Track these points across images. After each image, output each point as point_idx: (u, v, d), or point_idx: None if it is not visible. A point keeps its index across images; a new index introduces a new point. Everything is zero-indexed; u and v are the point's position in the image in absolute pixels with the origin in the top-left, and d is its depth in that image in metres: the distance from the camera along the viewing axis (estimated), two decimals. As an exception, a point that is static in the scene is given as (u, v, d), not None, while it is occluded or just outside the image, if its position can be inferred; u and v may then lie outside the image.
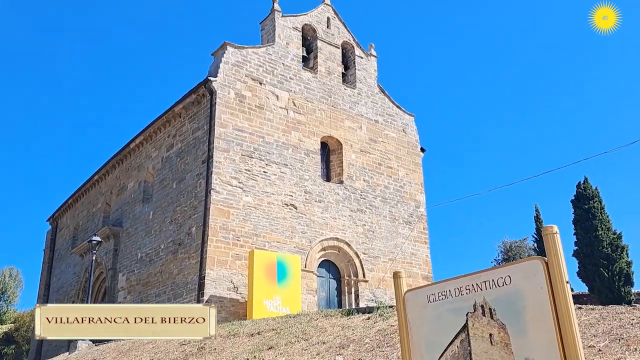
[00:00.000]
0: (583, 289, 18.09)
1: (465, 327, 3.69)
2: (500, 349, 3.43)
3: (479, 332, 3.59)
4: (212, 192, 17.56)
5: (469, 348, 3.62)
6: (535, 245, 20.08)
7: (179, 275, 18.13)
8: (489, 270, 3.67)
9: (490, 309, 3.57)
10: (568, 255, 18.46)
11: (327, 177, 21.14)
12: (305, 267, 18.74)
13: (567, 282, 3.29)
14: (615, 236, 18.09)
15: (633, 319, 4.22)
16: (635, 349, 3.51)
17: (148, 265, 20.23)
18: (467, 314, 3.70)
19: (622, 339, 3.83)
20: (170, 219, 19.54)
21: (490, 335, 3.52)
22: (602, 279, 17.77)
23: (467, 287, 3.76)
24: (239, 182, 18.25)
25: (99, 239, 19.72)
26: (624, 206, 52.94)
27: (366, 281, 20.27)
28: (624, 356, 3.40)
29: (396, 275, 4.46)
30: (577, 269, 19.01)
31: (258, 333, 8.59)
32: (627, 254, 18.00)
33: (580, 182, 18.89)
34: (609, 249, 17.70)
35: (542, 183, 64.67)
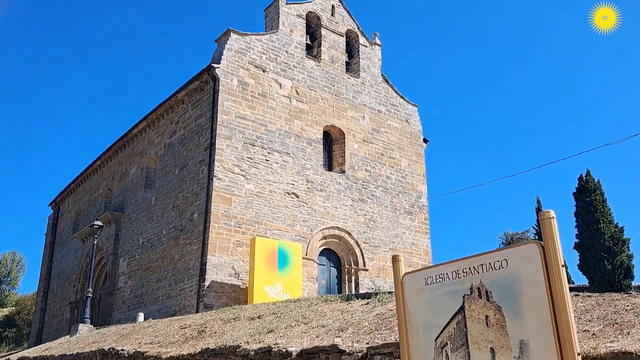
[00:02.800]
0: (583, 281, 18.14)
1: (461, 309, 3.74)
2: (496, 331, 3.48)
3: (475, 314, 3.64)
4: (214, 179, 17.61)
5: (465, 329, 3.67)
6: (536, 237, 20.14)
7: (180, 260, 18.23)
8: (486, 254, 3.71)
9: (486, 291, 3.62)
10: (569, 248, 18.49)
11: (329, 167, 21.16)
12: (306, 255, 18.82)
13: (563, 266, 3.32)
14: (616, 229, 18.11)
15: (628, 306, 4.26)
16: (628, 332, 3.56)
17: (149, 251, 20.34)
18: (463, 297, 3.74)
19: (617, 324, 3.87)
20: (172, 205, 19.61)
21: (487, 317, 3.57)
22: (603, 272, 17.82)
23: (465, 270, 3.80)
24: (241, 170, 18.29)
25: (100, 223, 19.80)
26: (626, 200, 52.87)
27: (366, 270, 20.36)
28: (616, 339, 3.45)
29: (395, 259, 4.50)
30: (578, 262, 19.08)
31: (258, 317, 8.66)
32: (628, 247, 18.03)
33: (582, 174, 18.91)
34: (610, 242, 17.72)
35: (544, 175, 64.56)
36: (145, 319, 14.95)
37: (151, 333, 10.55)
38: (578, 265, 19.09)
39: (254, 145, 18.78)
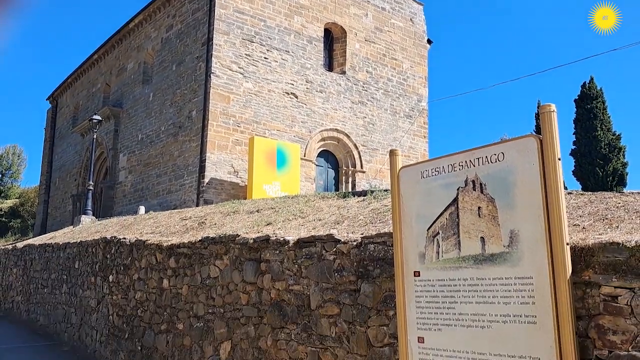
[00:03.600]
0: (577, 187, 18.49)
1: (455, 201, 3.81)
2: (487, 221, 3.56)
3: (468, 205, 3.71)
4: (212, 76, 17.33)
5: (457, 220, 3.76)
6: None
7: (179, 157, 18.37)
8: (484, 147, 3.72)
9: (481, 183, 3.66)
10: (565, 155, 18.67)
11: (330, 67, 20.77)
12: (305, 156, 18.97)
13: (559, 159, 3.35)
14: (614, 137, 18.25)
15: (619, 203, 4.35)
16: (617, 226, 3.66)
17: (149, 147, 20.43)
18: (458, 189, 3.80)
19: (607, 219, 3.98)
20: (171, 102, 19.45)
21: (479, 208, 3.64)
22: (596, 178, 18.15)
23: (461, 164, 3.83)
24: (239, 67, 17.95)
25: (99, 117, 19.74)
26: (628, 107, 52.43)
27: (363, 172, 20.60)
28: (605, 232, 3.55)
29: (393, 153, 4.53)
30: (573, 168, 19.35)
31: (257, 211, 8.87)
32: (623, 155, 18.27)
33: (585, 81, 18.74)
34: (607, 149, 17.93)
35: (547, 81, 63.63)
36: (146, 212, 15.31)
37: (152, 224, 10.85)
38: (573, 171, 19.41)
39: (253, 42, 18.31)
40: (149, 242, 8.16)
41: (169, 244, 7.54)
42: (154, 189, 19.61)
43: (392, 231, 4.38)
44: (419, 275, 3.97)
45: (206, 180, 16.83)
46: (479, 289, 3.50)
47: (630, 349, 2.93)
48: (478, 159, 3.72)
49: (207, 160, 16.95)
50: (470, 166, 3.77)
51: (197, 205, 16.22)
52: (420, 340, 3.82)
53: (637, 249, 2.98)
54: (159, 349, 7.46)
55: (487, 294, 3.45)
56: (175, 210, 13.35)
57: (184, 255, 7.12)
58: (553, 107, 3.41)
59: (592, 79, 18.46)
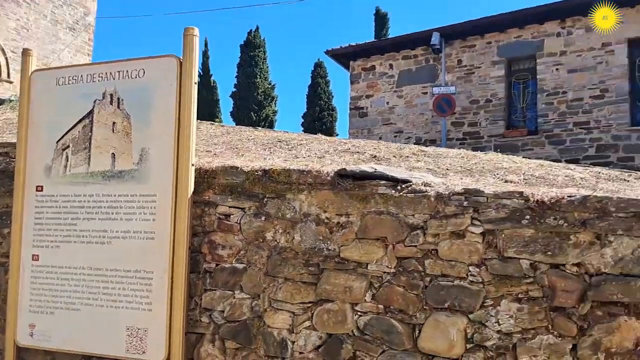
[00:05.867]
0: (232, 127, 19.91)
1: (90, 113, 3.60)
2: (121, 138, 3.47)
3: (103, 119, 3.55)
4: None
5: (90, 134, 3.57)
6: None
7: None
8: (126, 61, 3.59)
9: (119, 98, 3.54)
10: (226, 95, 19.78)
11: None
12: None
13: (195, 84, 3.45)
14: (270, 86, 20.12)
15: (251, 136, 4.80)
16: (243, 155, 3.99)
17: None
18: (95, 101, 3.59)
19: (237, 148, 4.34)
20: None
21: (114, 123, 3.52)
22: (251, 122, 19.80)
23: (101, 75, 3.62)
24: None
25: None
26: (284, 61, 57.75)
27: (11, 82, 17.97)
28: (231, 158, 3.83)
29: (25, 53, 3.99)
30: (232, 109, 20.67)
31: None
32: (275, 104, 20.36)
33: (252, 29, 20.01)
34: (262, 96, 19.67)
35: (220, 21, 65.75)
36: None
37: None
38: (231, 112, 20.74)
39: None
40: None
41: None
42: None
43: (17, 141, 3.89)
44: (41, 190, 3.65)
45: None
46: (104, 205, 3.41)
47: (234, 262, 3.26)
48: (119, 72, 3.57)
49: None
50: (111, 79, 3.59)
51: None
52: (35, 257, 3.55)
53: (251, 174, 3.30)
54: None
55: (111, 211, 3.39)
56: None
57: None
58: (196, 31, 3.48)
59: (257, 27, 19.83)
